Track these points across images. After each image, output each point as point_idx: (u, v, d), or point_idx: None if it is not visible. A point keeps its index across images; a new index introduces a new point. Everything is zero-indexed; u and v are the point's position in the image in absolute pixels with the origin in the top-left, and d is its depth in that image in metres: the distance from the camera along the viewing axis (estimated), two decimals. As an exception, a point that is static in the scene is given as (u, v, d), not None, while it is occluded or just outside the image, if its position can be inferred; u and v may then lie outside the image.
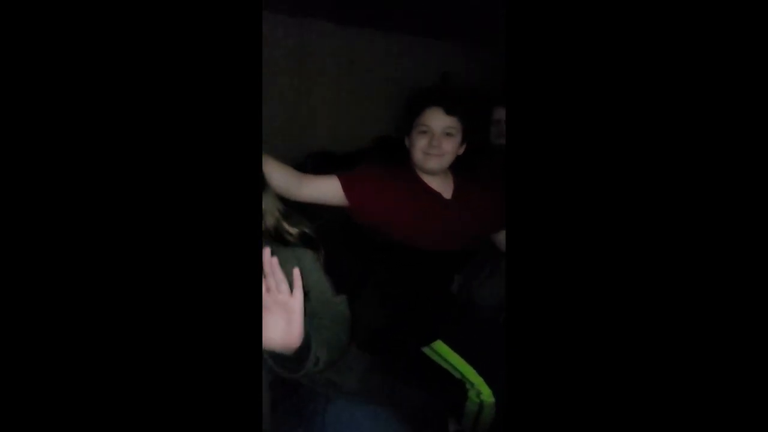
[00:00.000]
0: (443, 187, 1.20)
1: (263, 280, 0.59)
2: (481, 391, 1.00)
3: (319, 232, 0.91)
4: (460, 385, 1.04)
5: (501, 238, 1.28)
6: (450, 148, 1.13)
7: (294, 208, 0.88)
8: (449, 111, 1.11)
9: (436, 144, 1.11)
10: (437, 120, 1.11)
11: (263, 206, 0.77)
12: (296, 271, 0.61)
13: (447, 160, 1.15)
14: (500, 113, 1.79)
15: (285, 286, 0.61)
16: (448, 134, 1.12)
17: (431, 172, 1.16)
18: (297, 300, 0.61)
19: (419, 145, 1.12)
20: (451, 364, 1.03)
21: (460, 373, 1.03)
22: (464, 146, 1.18)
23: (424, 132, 1.12)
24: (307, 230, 0.84)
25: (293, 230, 0.81)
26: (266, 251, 0.60)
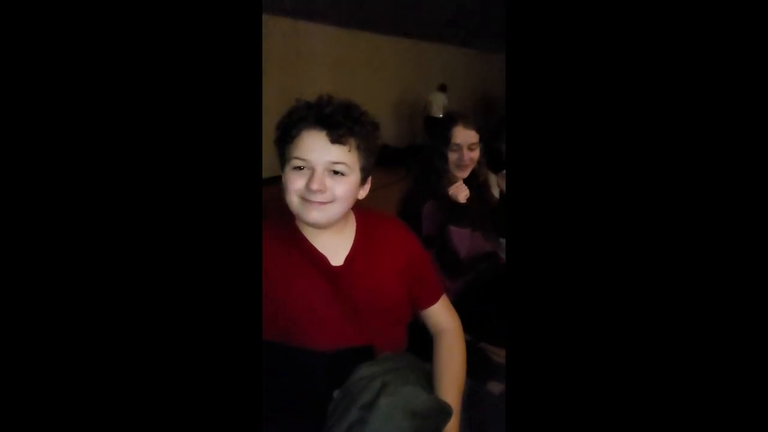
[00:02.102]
0: (337, 246, 0.79)
1: None
2: None
3: None
4: None
5: (435, 317, 0.87)
6: (341, 192, 0.72)
7: None
8: (336, 138, 0.70)
9: (317, 187, 0.70)
10: (318, 151, 0.70)
11: None
12: None
13: (337, 209, 0.73)
14: (463, 135, 1.28)
15: None
16: (337, 172, 0.72)
17: (315, 227, 0.75)
18: None
19: (293, 188, 0.72)
20: None
21: None
22: (367, 186, 0.79)
23: (300, 168, 0.72)
24: None
25: None
26: None
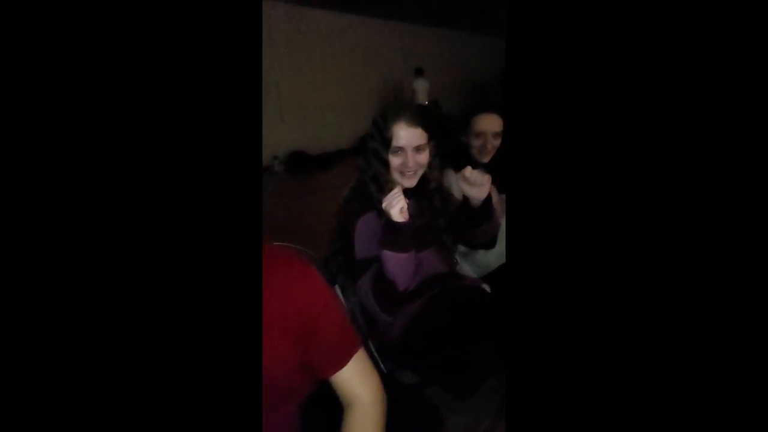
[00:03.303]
0: None
1: None
2: None
3: None
4: None
5: (342, 386, 0.66)
6: None
7: None
8: None
9: None
10: None
11: None
12: None
13: None
14: (406, 135, 1.00)
15: None
16: None
17: None
18: None
19: None
20: None
21: None
22: None
23: None
24: None
25: None
26: None
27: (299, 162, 5.59)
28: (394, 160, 1.02)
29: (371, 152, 1.03)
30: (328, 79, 6.19)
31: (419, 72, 6.77)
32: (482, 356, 1.01)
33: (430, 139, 1.05)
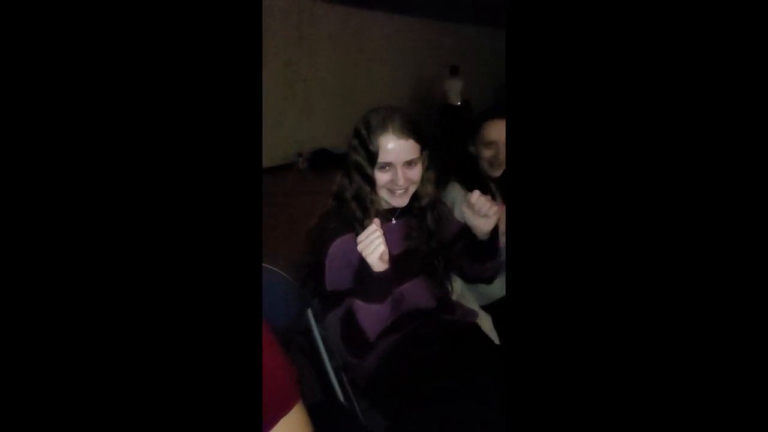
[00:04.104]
0: None
1: None
2: None
3: None
4: None
5: None
6: None
7: None
8: None
9: None
10: None
11: None
12: None
13: None
14: (397, 149, 0.86)
15: None
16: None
17: None
18: None
19: None
20: None
21: None
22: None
23: None
24: None
25: None
26: None
27: (322, 159, 5.54)
28: (382, 177, 0.88)
29: (354, 167, 0.89)
30: (356, 77, 6.10)
31: (454, 71, 6.54)
32: (469, 405, 0.87)
33: (422, 150, 0.91)
